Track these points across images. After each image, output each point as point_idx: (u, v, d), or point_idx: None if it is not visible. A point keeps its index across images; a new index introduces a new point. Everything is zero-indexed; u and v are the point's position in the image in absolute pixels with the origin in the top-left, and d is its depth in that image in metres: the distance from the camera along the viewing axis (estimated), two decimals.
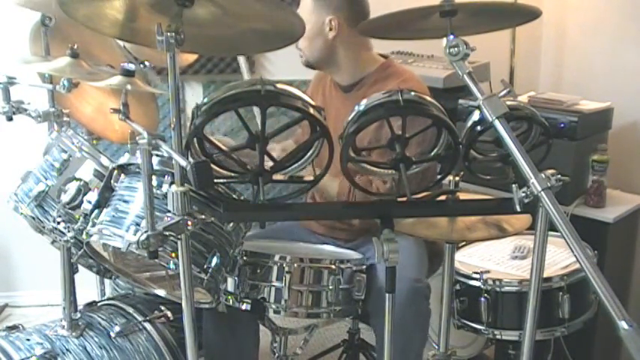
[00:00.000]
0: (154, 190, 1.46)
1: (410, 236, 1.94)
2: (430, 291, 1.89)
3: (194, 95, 3.12)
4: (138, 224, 1.53)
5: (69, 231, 1.77)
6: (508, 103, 1.32)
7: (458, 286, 1.89)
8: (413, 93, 1.39)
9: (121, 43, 2.27)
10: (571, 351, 2.23)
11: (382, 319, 1.48)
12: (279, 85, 1.36)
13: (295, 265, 1.70)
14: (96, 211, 1.65)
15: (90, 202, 1.67)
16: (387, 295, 1.44)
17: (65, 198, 1.76)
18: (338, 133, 1.42)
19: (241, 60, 2.66)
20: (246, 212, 1.54)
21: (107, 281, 2.40)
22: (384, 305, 1.47)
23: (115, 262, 1.83)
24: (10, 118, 1.90)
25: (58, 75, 1.84)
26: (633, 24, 2.80)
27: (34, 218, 1.82)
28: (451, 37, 1.26)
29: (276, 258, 1.71)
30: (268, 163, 1.43)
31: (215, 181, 1.41)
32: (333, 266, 1.72)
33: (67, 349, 1.81)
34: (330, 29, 2.04)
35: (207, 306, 1.71)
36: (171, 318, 1.97)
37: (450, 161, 1.45)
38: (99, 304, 2.07)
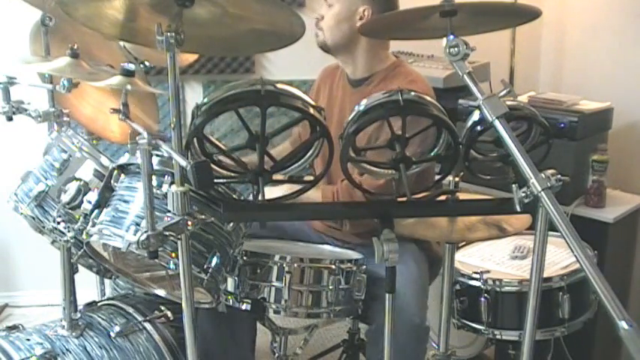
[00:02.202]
0: (154, 190, 1.46)
1: (412, 261, 1.97)
2: (429, 331, 1.89)
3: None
4: (138, 224, 1.53)
5: (69, 231, 1.77)
6: (508, 103, 1.32)
7: (458, 286, 1.89)
8: (413, 93, 1.39)
9: (121, 43, 2.27)
10: (571, 351, 2.23)
11: (379, 353, 1.47)
12: (279, 85, 1.36)
13: (295, 265, 1.70)
14: (96, 211, 1.64)
15: (90, 202, 1.67)
16: (387, 295, 1.44)
17: (65, 198, 1.76)
18: (341, 127, 1.42)
19: None
20: (246, 212, 1.54)
21: (107, 281, 2.40)
22: (382, 339, 1.47)
23: (115, 262, 1.83)
24: (10, 118, 1.90)
25: (58, 75, 1.84)
26: (633, 24, 2.80)
27: (34, 218, 1.82)
28: (451, 37, 1.26)
29: (276, 258, 1.71)
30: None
31: (215, 181, 1.41)
32: (333, 266, 1.73)
33: (67, 349, 1.81)
34: (361, 18, 2.02)
35: (207, 306, 1.71)
36: (172, 318, 1.97)
37: (450, 161, 1.45)
38: (99, 304, 2.07)
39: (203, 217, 1.43)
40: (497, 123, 1.20)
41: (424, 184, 1.73)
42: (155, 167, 1.51)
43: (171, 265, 1.51)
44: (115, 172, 1.65)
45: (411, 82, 2.02)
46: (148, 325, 1.94)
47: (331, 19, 2.03)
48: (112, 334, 1.88)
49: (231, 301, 1.72)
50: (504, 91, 1.38)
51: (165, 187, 1.52)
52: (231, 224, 1.65)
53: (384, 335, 1.45)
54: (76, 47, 1.78)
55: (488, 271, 1.89)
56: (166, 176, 1.54)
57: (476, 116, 1.43)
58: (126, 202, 1.59)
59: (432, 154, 1.48)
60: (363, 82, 2.09)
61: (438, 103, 1.44)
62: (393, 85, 1.89)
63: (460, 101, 2.62)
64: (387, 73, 2.08)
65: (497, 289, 1.85)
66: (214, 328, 1.96)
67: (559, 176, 1.15)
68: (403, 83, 1.97)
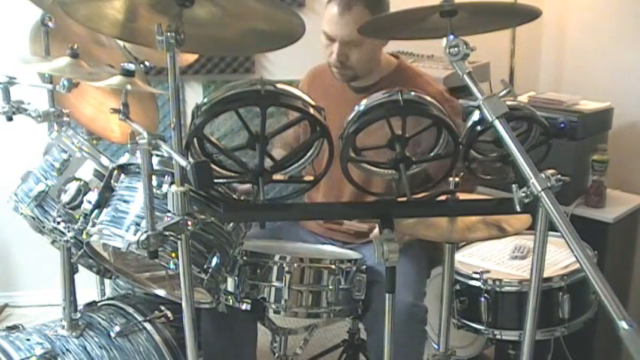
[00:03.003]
0: (154, 190, 1.46)
1: (411, 250, 1.96)
2: (427, 313, 1.89)
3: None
4: (138, 224, 1.53)
5: (69, 231, 1.77)
6: (508, 103, 1.32)
7: (458, 286, 1.89)
8: (413, 93, 1.39)
9: (121, 43, 2.27)
10: (571, 351, 2.23)
11: (378, 340, 1.47)
12: (279, 85, 1.36)
13: (295, 265, 1.70)
14: (96, 211, 1.65)
15: (90, 202, 1.67)
16: (387, 295, 1.44)
17: (65, 198, 1.76)
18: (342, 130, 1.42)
19: None
20: (246, 212, 1.54)
21: (107, 281, 2.41)
22: (380, 329, 1.46)
23: (115, 262, 1.83)
24: (10, 118, 1.90)
25: (58, 75, 1.84)
26: (633, 24, 2.80)
27: (34, 218, 1.82)
28: (451, 37, 1.26)
29: (276, 258, 1.71)
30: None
31: (215, 181, 1.41)
32: (333, 266, 1.72)
33: (67, 349, 1.81)
34: (384, 44, 2.02)
35: (207, 306, 1.71)
36: (172, 318, 1.97)
37: (450, 161, 1.45)
38: (99, 304, 2.07)
39: (203, 217, 1.43)
40: (497, 123, 1.20)
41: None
42: (155, 167, 1.51)
43: (171, 265, 1.51)
44: (115, 172, 1.65)
45: (428, 83, 2.05)
46: (148, 325, 1.94)
47: (365, 55, 1.97)
48: (112, 334, 1.88)
49: (231, 301, 1.72)
50: (504, 91, 1.37)
51: (165, 187, 1.53)
52: (231, 224, 1.65)
53: (381, 323, 1.45)
54: (76, 47, 1.78)
55: (488, 271, 1.89)
56: (166, 176, 1.54)
57: (476, 116, 1.43)
58: (126, 202, 1.59)
59: (432, 154, 1.48)
60: (370, 88, 2.02)
61: (450, 97, 1.40)
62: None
63: (460, 101, 2.62)
64: (397, 76, 2.06)
65: (497, 289, 1.85)
66: (216, 329, 1.96)
67: (559, 176, 1.15)
68: (419, 85, 2.00)
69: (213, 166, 1.37)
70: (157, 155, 1.53)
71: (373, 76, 2.07)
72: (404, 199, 1.39)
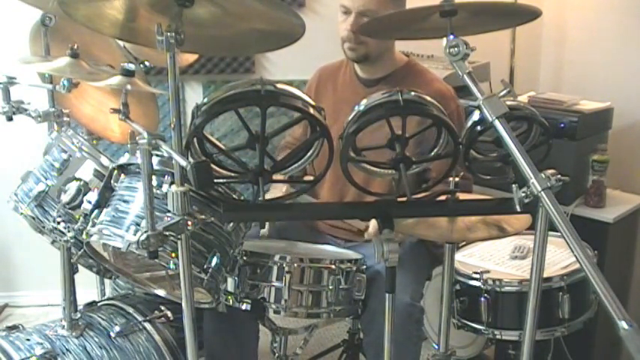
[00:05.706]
0: (154, 190, 1.46)
1: (411, 250, 1.96)
2: (423, 313, 1.89)
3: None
4: (138, 224, 1.53)
5: (69, 231, 1.77)
6: (508, 103, 1.32)
7: (458, 286, 1.88)
8: (413, 93, 1.39)
9: (121, 43, 2.27)
10: (571, 351, 2.23)
11: (375, 340, 1.46)
12: (279, 85, 1.36)
13: (295, 265, 1.70)
14: (96, 211, 1.65)
15: (90, 202, 1.67)
16: (387, 295, 1.44)
17: (65, 198, 1.76)
18: None
19: None
20: (246, 212, 1.54)
21: (107, 281, 2.41)
22: (376, 328, 1.46)
23: (115, 262, 1.83)
24: (10, 118, 1.90)
25: (58, 75, 1.84)
26: (633, 24, 2.80)
27: (34, 218, 1.82)
28: (451, 37, 1.26)
29: (276, 258, 1.71)
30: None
31: (215, 181, 1.41)
32: (333, 266, 1.72)
33: (67, 349, 1.81)
34: None
35: (207, 306, 1.71)
36: (172, 318, 1.97)
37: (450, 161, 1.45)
38: (99, 304, 2.07)
39: (203, 217, 1.43)
40: (497, 123, 1.20)
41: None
42: (155, 167, 1.51)
43: (171, 265, 1.51)
44: (115, 172, 1.65)
45: (435, 80, 2.06)
46: (147, 325, 1.94)
47: None
48: (112, 334, 1.88)
49: (231, 301, 1.72)
50: (504, 91, 1.38)
51: (165, 187, 1.53)
52: (231, 224, 1.65)
53: (378, 323, 1.44)
54: (76, 47, 1.78)
55: (488, 271, 1.89)
56: (166, 176, 1.54)
57: (476, 116, 1.43)
58: (126, 202, 1.59)
59: (432, 154, 1.48)
60: (379, 82, 2.08)
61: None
62: (424, 85, 1.94)
63: (460, 101, 2.62)
64: (408, 70, 2.09)
65: (497, 289, 1.85)
66: (218, 329, 1.96)
67: (559, 176, 1.15)
68: (428, 80, 2.05)
69: (213, 166, 1.37)
70: (157, 155, 1.53)
71: (384, 67, 2.08)
72: (404, 199, 1.39)
